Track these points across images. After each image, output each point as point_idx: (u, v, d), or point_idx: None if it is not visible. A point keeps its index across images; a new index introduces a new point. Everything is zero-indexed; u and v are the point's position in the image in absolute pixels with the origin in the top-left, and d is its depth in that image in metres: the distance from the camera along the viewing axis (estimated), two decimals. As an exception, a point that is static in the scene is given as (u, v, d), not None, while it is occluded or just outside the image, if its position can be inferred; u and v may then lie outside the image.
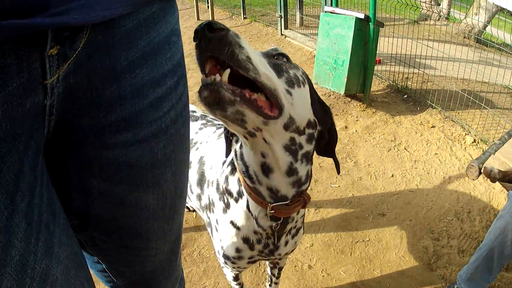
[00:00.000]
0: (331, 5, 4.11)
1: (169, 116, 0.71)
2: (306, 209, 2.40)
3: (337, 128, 3.13)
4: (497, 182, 1.69)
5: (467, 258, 2.06)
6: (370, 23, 3.45)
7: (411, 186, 2.69)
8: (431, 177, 2.79)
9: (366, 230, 2.29)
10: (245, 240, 1.13)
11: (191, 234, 2.26)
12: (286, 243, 1.18)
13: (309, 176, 1.00)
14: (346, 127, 3.34)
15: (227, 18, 8.17)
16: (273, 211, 0.99)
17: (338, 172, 1.10)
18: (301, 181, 0.97)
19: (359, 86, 3.62)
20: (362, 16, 3.38)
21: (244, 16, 7.79)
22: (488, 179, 1.72)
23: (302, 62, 5.03)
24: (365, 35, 3.49)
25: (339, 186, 2.61)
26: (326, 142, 1.01)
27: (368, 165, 2.87)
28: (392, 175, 2.78)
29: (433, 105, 3.81)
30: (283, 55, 0.90)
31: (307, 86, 0.91)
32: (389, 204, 2.50)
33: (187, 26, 7.73)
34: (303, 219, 1.20)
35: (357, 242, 2.21)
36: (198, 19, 8.20)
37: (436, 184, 2.72)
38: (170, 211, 0.83)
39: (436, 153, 3.10)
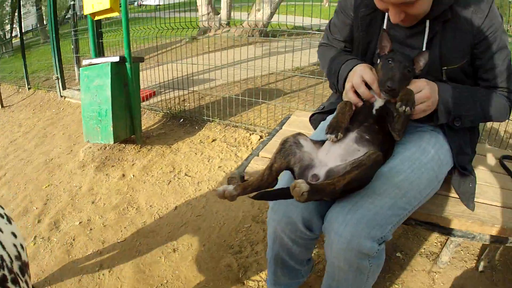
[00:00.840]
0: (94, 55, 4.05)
1: None
2: (98, 278, 2.30)
3: (115, 179, 3.11)
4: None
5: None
6: (127, 64, 3.42)
7: (197, 211, 2.70)
8: (217, 192, 2.83)
9: (162, 273, 2.22)
10: None
11: None
12: None
13: None
14: (123, 175, 3.26)
15: (15, 92, 7.63)
16: None
17: None
18: None
19: (128, 129, 3.58)
20: (117, 59, 3.34)
21: (29, 86, 7.35)
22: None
23: (80, 120, 4.85)
24: (124, 77, 3.46)
25: (125, 239, 2.52)
26: None
27: (150, 206, 2.82)
28: (176, 207, 2.77)
29: (211, 118, 3.92)
30: None
31: None
32: (178, 238, 2.47)
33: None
34: None
35: (155, 288, 2.14)
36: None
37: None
38: None
39: (219, 166, 3.18)
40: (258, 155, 1.96)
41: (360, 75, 1.43)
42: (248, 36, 7.25)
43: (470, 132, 1.65)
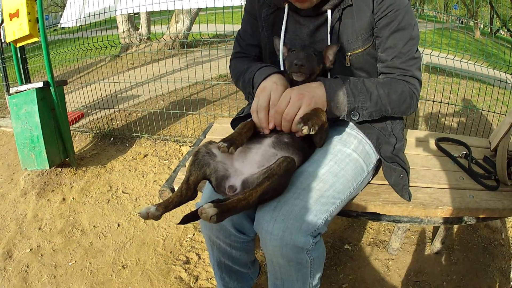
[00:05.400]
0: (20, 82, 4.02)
1: None
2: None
3: (57, 204, 3.18)
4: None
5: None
6: (51, 88, 3.46)
7: (139, 226, 2.81)
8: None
9: (114, 291, 2.29)
10: None
11: None
12: None
13: None
14: (64, 199, 3.29)
15: None
16: None
17: None
18: None
19: (61, 153, 3.62)
20: (41, 84, 3.38)
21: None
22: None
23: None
24: (50, 102, 3.49)
25: (75, 262, 2.58)
26: None
27: (94, 226, 2.89)
28: (119, 225, 2.86)
29: (139, 134, 4.05)
30: None
31: None
32: (126, 254, 2.56)
33: None
34: None
35: (108, 309, 2.19)
36: None
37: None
38: None
39: (154, 180, 3.30)
40: (185, 166, 1.90)
41: (267, 95, 1.36)
42: (169, 49, 7.27)
43: (391, 120, 1.59)
